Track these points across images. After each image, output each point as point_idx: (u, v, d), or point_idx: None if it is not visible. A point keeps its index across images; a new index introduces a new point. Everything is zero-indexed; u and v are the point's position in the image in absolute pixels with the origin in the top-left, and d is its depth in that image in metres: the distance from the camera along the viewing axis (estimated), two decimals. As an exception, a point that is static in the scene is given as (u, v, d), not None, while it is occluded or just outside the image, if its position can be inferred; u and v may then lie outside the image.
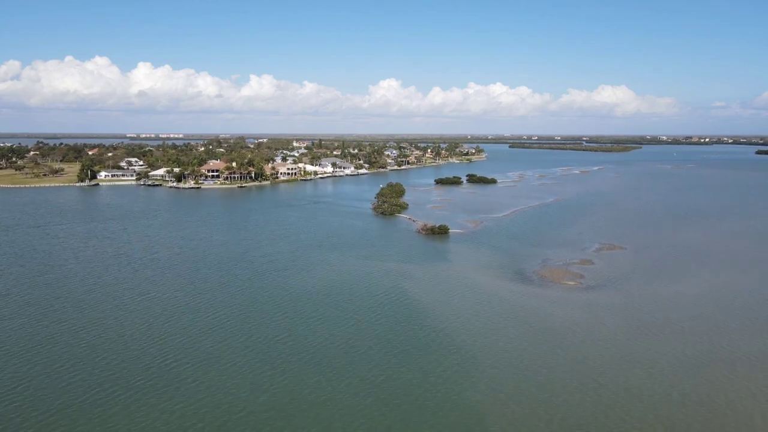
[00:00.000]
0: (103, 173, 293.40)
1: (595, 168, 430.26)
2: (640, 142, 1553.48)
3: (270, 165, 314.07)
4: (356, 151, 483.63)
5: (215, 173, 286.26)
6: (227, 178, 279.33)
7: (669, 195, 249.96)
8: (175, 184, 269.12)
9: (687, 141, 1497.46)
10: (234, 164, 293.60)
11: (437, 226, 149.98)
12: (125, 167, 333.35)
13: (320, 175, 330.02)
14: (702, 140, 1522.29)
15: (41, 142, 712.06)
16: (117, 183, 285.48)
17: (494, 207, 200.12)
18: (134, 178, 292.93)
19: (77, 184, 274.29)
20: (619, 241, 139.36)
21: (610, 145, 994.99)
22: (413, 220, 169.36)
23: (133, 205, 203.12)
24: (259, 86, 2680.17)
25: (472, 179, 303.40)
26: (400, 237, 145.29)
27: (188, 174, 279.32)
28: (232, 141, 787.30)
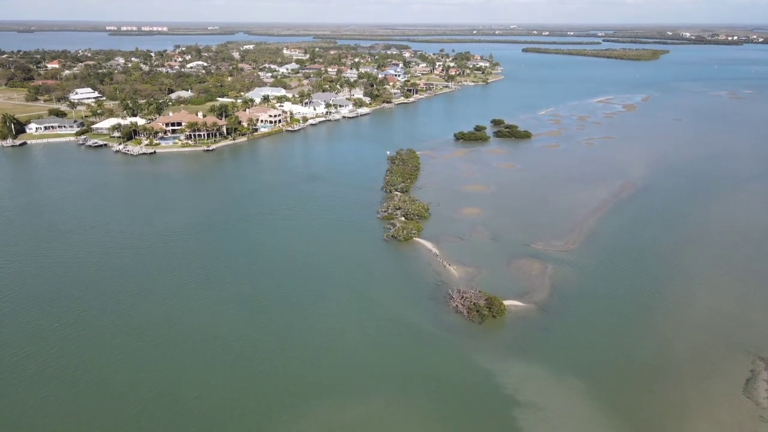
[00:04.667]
0: (33, 126, 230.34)
1: (639, 98, 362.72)
2: (660, 38, 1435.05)
3: (248, 112, 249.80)
4: (356, 74, 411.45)
5: (177, 127, 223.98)
6: (190, 136, 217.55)
7: None
8: (122, 147, 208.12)
9: (713, 39, 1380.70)
10: (200, 114, 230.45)
11: (484, 300, 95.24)
12: (69, 109, 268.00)
13: (311, 121, 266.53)
14: (729, 38, 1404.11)
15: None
16: (52, 140, 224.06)
17: (549, 211, 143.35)
18: (74, 132, 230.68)
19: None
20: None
21: (634, 49, 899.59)
22: (441, 261, 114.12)
23: (25, 209, 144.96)
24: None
25: (500, 132, 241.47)
26: (426, 321, 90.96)
27: (141, 132, 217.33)
28: (214, 48, 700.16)
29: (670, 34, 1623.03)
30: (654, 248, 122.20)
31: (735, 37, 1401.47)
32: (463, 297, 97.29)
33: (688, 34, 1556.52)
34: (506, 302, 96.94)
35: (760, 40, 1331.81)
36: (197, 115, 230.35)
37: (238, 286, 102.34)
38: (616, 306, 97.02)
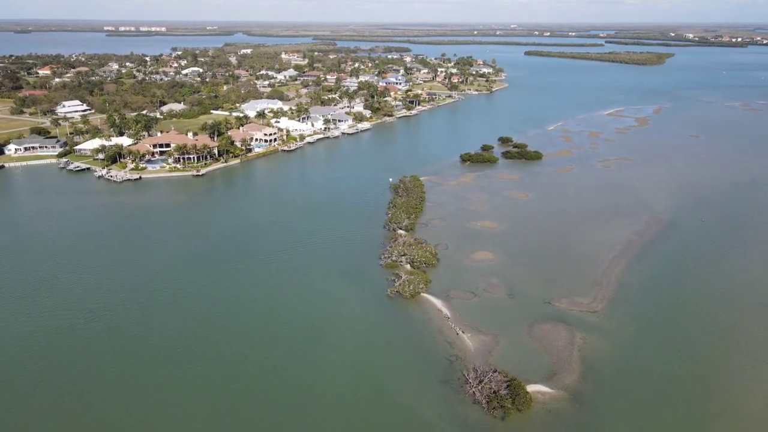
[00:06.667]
0: (12, 147, 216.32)
1: (651, 110, 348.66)
2: (663, 39, 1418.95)
3: (241, 130, 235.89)
4: (356, 83, 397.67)
5: (165, 148, 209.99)
6: (178, 160, 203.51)
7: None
8: (105, 172, 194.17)
9: (717, 41, 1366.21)
10: (190, 135, 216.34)
11: (505, 385, 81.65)
12: (53, 126, 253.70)
13: (308, 139, 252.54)
14: (733, 39, 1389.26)
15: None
16: (32, 162, 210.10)
17: (569, 256, 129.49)
18: (56, 153, 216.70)
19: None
20: None
21: (638, 52, 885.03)
22: (453, 327, 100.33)
23: None
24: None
25: (510, 153, 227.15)
26: (438, 416, 77.27)
27: (126, 155, 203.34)
28: (210, 52, 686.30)
29: (673, 35, 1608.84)
30: (693, 308, 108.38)
31: (739, 39, 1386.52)
32: (480, 381, 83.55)
33: (691, 35, 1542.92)
34: (531, 388, 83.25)
35: (765, 42, 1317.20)
36: (187, 134, 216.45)
37: (215, 362, 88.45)
38: (662, 394, 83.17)
